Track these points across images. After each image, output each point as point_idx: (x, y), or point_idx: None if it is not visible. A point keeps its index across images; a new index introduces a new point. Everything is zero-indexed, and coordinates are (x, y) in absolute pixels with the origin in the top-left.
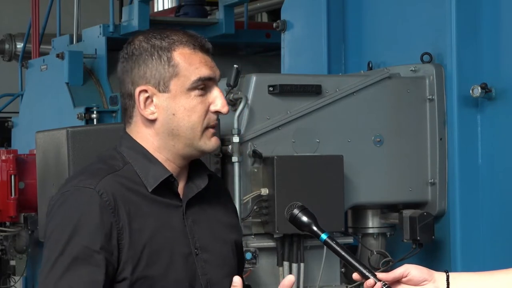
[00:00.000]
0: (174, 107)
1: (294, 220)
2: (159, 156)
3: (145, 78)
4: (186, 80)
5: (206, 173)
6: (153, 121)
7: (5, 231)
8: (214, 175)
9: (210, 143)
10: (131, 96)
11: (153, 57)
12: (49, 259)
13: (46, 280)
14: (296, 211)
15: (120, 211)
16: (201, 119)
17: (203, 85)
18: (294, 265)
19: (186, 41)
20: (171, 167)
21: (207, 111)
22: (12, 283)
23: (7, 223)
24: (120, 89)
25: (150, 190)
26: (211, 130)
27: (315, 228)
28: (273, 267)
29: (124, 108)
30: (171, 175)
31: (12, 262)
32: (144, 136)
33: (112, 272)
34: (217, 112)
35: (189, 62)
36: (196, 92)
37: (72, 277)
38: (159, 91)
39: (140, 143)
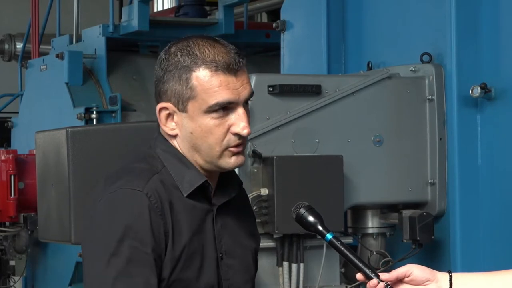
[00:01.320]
0: (192, 127)
1: (300, 220)
2: (192, 161)
3: (166, 95)
4: (203, 103)
5: (237, 182)
6: (174, 136)
7: (5, 231)
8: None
9: (230, 162)
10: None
11: (175, 76)
12: (100, 259)
13: (100, 279)
14: (302, 210)
15: (166, 213)
16: (219, 140)
17: (222, 108)
18: (294, 265)
19: (210, 61)
20: (202, 172)
21: (226, 132)
22: (11, 283)
23: (7, 223)
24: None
25: (185, 195)
26: (232, 150)
27: (320, 228)
28: (272, 267)
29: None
30: (206, 181)
31: (12, 262)
32: (173, 143)
33: (159, 274)
34: (237, 134)
35: (207, 86)
36: (214, 114)
37: (128, 279)
38: (179, 109)
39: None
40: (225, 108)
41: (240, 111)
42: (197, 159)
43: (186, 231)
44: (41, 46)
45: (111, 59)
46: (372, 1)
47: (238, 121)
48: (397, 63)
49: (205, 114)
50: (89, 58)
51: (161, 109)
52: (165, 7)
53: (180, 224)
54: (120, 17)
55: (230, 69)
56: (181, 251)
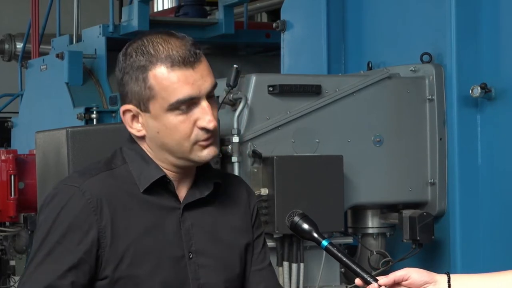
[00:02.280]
0: (157, 126)
1: (295, 228)
2: (158, 162)
3: (128, 98)
4: (164, 102)
5: (213, 181)
6: (143, 137)
7: (5, 231)
8: (232, 178)
9: (202, 154)
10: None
11: (132, 78)
12: (32, 249)
13: (23, 277)
14: (296, 218)
15: (104, 210)
16: (186, 136)
17: (185, 104)
18: (294, 265)
19: (165, 57)
20: (170, 171)
21: (193, 127)
22: (12, 283)
23: (7, 223)
24: None
25: (141, 190)
26: (202, 143)
27: (316, 235)
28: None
29: None
30: (165, 176)
31: (12, 262)
32: (142, 144)
33: (89, 270)
34: (204, 129)
35: (166, 84)
36: (177, 111)
37: (40, 273)
38: (141, 110)
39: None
40: (188, 103)
41: (204, 104)
42: (168, 157)
43: (135, 228)
44: (41, 46)
45: (111, 59)
46: (372, 1)
47: (203, 115)
48: (397, 63)
49: (168, 112)
50: (89, 58)
51: (124, 111)
52: (165, 7)
53: (127, 221)
54: (120, 17)
55: (186, 62)
56: (126, 248)
